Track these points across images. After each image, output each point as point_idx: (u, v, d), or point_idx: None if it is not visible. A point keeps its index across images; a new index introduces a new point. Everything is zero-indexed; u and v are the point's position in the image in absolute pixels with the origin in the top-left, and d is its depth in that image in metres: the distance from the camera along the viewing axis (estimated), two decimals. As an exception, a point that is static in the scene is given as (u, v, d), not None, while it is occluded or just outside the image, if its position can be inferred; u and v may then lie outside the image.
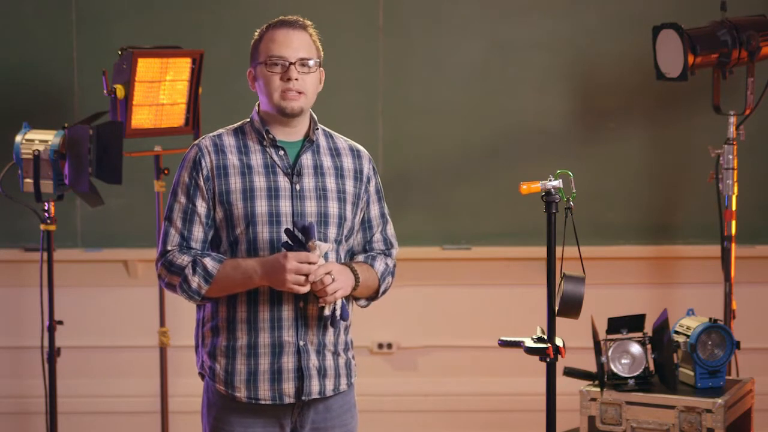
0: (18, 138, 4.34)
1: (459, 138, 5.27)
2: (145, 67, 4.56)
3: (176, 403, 5.16)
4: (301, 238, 2.99)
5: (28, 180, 4.33)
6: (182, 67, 4.70)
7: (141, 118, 4.61)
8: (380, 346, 5.37)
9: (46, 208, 4.39)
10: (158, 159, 4.84)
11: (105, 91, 4.51)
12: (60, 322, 4.45)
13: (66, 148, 4.28)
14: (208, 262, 3.05)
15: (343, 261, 3.17)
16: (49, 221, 4.40)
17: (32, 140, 4.33)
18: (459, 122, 5.26)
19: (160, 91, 4.65)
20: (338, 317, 3.09)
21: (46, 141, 4.32)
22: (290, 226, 3.02)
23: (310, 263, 2.96)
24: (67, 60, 5.19)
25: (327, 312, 3.06)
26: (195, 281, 3.05)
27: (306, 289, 2.99)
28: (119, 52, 4.53)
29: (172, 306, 4.87)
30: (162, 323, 4.94)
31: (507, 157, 5.25)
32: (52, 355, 4.42)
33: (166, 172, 4.82)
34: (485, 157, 5.26)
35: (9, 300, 5.32)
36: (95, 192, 4.35)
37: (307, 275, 2.97)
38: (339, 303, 3.07)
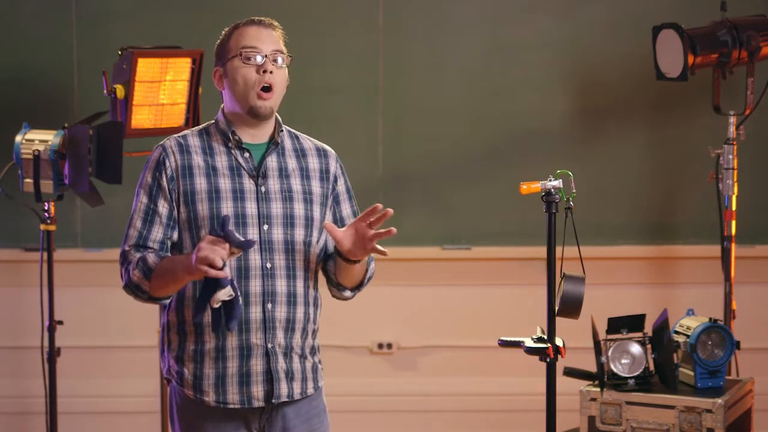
0: (18, 138, 4.34)
1: (459, 138, 5.27)
2: (145, 67, 4.56)
3: (176, 403, 5.16)
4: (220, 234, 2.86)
5: (28, 180, 4.33)
6: (182, 67, 4.70)
7: (141, 118, 4.61)
8: (380, 346, 5.37)
9: (46, 208, 4.39)
10: (158, 159, 4.84)
11: (105, 91, 4.51)
12: (60, 322, 4.45)
13: (66, 148, 4.28)
14: (150, 257, 3.02)
15: (315, 263, 3.14)
16: (49, 221, 4.40)
17: (32, 140, 4.33)
18: (459, 122, 5.26)
19: (160, 91, 4.65)
20: (232, 314, 2.89)
21: (46, 141, 4.32)
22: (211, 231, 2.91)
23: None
24: (67, 60, 5.19)
25: (214, 305, 2.87)
26: (136, 275, 3.02)
27: (219, 271, 2.81)
28: (119, 52, 4.53)
29: (172, 306, 4.87)
30: (162, 323, 4.94)
31: (507, 157, 5.25)
32: (52, 355, 4.42)
33: (166, 172, 4.81)
34: (485, 157, 5.26)
35: (9, 300, 5.32)
36: (95, 192, 4.35)
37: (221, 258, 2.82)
38: (227, 294, 2.87)
